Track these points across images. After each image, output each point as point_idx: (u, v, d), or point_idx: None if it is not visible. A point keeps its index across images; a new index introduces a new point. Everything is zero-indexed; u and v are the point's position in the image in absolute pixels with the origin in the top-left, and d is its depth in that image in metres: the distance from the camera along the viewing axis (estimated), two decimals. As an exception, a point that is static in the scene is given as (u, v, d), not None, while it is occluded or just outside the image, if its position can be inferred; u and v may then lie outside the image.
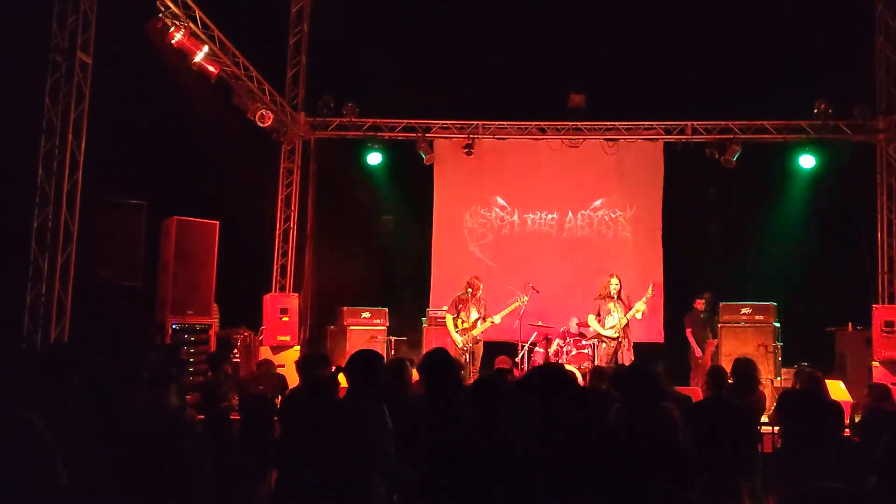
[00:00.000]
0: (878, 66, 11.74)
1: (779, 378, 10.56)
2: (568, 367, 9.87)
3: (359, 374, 4.32)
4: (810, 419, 5.59)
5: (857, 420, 6.84)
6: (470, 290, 9.96)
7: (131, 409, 4.85)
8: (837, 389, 8.51)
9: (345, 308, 11.65)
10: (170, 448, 4.51)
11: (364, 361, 4.39)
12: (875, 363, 10.53)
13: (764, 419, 6.88)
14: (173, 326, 10.08)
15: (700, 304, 11.54)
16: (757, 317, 10.96)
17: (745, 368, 5.99)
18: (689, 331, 11.52)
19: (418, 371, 4.79)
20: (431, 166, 12.85)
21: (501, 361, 7.83)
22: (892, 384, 9.82)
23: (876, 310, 10.81)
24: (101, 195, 8.98)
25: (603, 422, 4.50)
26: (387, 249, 13.04)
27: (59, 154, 7.58)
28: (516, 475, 3.46)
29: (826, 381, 6.41)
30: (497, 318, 9.93)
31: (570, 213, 12.97)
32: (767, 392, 9.23)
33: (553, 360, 10.48)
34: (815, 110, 11.71)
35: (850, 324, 11.14)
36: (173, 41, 8.92)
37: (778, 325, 10.92)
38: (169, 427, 4.70)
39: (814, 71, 11.46)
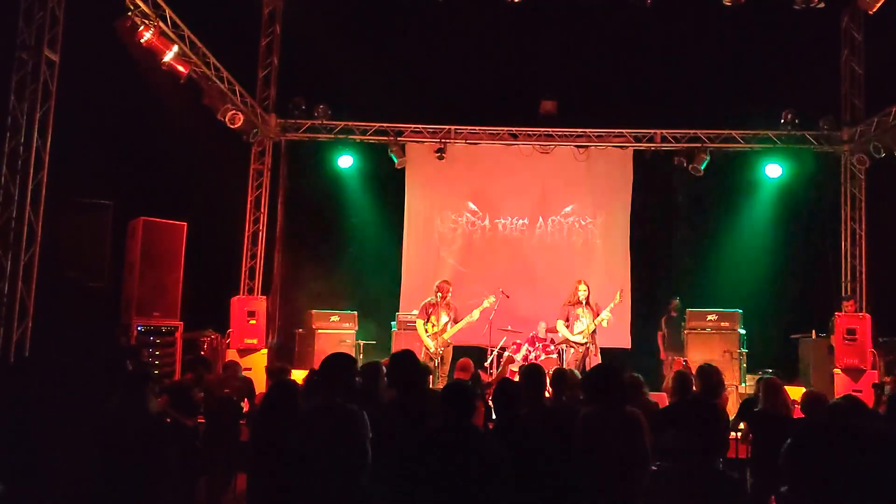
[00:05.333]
0: (844, 78, 12.00)
1: (743, 384, 10.69)
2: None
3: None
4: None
5: None
6: (439, 294, 9.94)
7: (109, 412, 4.72)
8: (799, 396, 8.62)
9: (313, 311, 11.58)
10: (152, 452, 4.45)
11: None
12: (837, 370, 10.70)
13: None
14: (138, 328, 9.96)
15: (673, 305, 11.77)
16: (722, 323, 11.09)
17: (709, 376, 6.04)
18: (660, 334, 11.72)
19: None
20: (403, 170, 12.84)
21: (462, 365, 7.69)
22: (853, 391, 10.02)
23: (839, 318, 10.98)
24: (66, 195, 8.85)
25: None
26: (356, 253, 12.94)
27: (23, 152, 7.48)
28: (490, 475, 3.49)
29: (786, 387, 6.48)
30: (474, 316, 9.81)
31: (540, 219, 13.01)
32: (732, 398, 9.33)
33: (522, 364, 10.48)
34: (782, 120, 11.93)
35: (813, 331, 11.31)
36: (142, 40, 8.84)
37: (743, 331, 11.06)
38: (151, 431, 4.62)
39: (781, 82, 11.67)
